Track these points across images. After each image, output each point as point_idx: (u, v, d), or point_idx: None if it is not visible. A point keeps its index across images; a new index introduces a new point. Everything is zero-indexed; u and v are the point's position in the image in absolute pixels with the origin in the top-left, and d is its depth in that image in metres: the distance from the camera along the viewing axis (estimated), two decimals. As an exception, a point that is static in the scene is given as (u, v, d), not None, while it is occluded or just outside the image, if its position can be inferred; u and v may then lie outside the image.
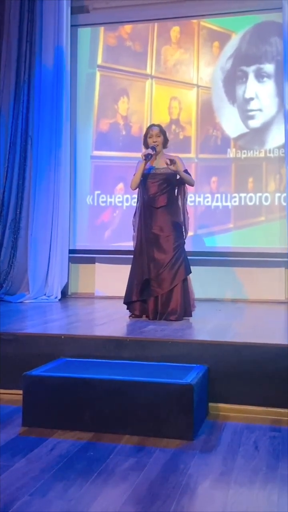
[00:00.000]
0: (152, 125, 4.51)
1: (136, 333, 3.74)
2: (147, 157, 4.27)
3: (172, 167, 4.23)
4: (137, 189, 4.44)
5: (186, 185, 4.43)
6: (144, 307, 4.34)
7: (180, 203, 4.42)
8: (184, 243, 4.39)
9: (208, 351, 3.26)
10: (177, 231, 4.34)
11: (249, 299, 5.74)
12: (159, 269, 4.25)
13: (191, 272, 4.36)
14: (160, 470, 2.37)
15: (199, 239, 5.95)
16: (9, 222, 5.89)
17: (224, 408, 3.10)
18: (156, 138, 4.35)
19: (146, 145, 4.40)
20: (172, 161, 4.23)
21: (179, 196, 4.43)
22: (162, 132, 4.41)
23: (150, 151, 4.30)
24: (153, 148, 4.31)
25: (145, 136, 4.43)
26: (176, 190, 4.41)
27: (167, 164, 4.24)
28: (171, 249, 4.27)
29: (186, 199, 4.46)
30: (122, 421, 2.80)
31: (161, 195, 4.33)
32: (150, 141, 4.36)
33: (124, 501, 2.09)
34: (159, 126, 4.48)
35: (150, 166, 4.35)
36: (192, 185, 4.48)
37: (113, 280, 5.84)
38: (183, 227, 4.40)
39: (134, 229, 4.44)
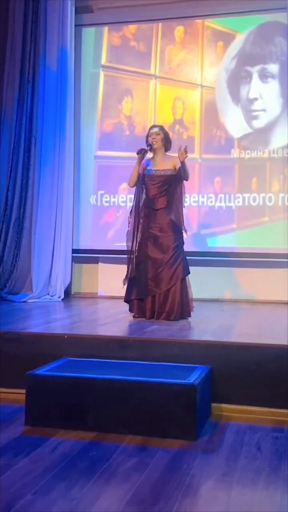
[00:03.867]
0: (153, 126, 4.58)
1: (139, 333, 3.74)
2: (140, 152, 4.30)
3: (181, 156, 4.18)
4: (135, 187, 4.44)
5: (183, 186, 4.40)
6: (142, 306, 4.34)
7: (179, 203, 4.42)
8: (183, 243, 4.39)
9: (211, 351, 3.26)
10: (177, 231, 4.35)
11: (253, 300, 5.73)
12: (157, 268, 4.26)
13: (189, 273, 4.36)
14: (162, 470, 2.37)
15: (202, 239, 5.94)
16: (13, 222, 5.89)
17: (227, 409, 3.10)
18: (155, 136, 4.37)
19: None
20: (183, 148, 4.18)
21: (178, 197, 4.42)
22: (163, 131, 4.43)
23: (144, 146, 4.35)
24: (149, 145, 4.35)
25: (146, 136, 4.47)
26: (175, 191, 4.41)
27: (180, 152, 4.17)
28: (171, 248, 4.29)
29: (184, 200, 4.43)
30: (124, 421, 2.80)
31: (161, 197, 4.34)
32: (149, 139, 4.40)
33: (127, 501, 2.09)
34: (160, 126, 4.51)
35: (149, 168, 4.36)
36: (186, 179, 4.41)
37: (116, 280, 5.78)
38: (182, 227, 4.39)
39: (129, 225, 4.44)
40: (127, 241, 4.44)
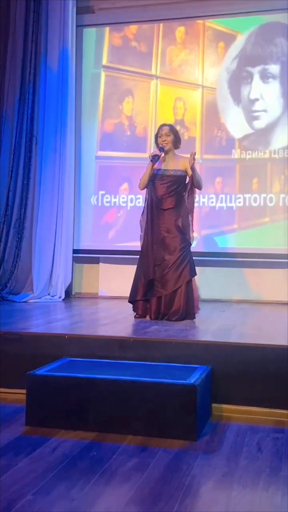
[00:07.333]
0: (162, 125, 4.45)
1: (140, 333, 3.74)
2: (154, 159, 4.24)
3: (189, 162, 4.18)
4: (145, 189, 4.40)
5: (195, 194, 4.39)
6: (147, 306, 4.34)
7: (188, 205, 4.40)
8: (190, 244, 4.38)
9: (211, 352, 3.26)
10: (184, 232, 4.32)
11: (253, 300, 5.73)
12: (164, 269, 4.25)
13: (196, 274, 4.35)
14: (163, 471, 2.37)
15: (203, 240, 5.94)
16: (14, 222, 5.90)
17: (228, 409, 3.10)
18: (165, 138, 4.30)
19: (157, 145, 4.36)
20: (192, 155, 4.18)
21: (187, 198, 4.40)
22: (173, 131, 4.35)
23: (157, 152, 4.27)
24: (161, 149, 4.28)
25: (156, 136, 4.40)
26: (184, 192, 4.39)
27: (191, 155, 4.18)
28: (177, 250, 4.26)
29: (193, 202, 4.41)
30: (125, 421, 2.80)
31: (169, 197, 4.31)
32: (159, 140, 4.32)
33: (127, 502, 2.09)
34: (169, 125, 4.43)
35: (159, 168, 4.32)
36: (199, 188, 4.42)
37: (117, 280, 5.84)
38: (190, 228, 4.37)
39: (141, 229, 4.41)
40: (141, 243, 4.39)
